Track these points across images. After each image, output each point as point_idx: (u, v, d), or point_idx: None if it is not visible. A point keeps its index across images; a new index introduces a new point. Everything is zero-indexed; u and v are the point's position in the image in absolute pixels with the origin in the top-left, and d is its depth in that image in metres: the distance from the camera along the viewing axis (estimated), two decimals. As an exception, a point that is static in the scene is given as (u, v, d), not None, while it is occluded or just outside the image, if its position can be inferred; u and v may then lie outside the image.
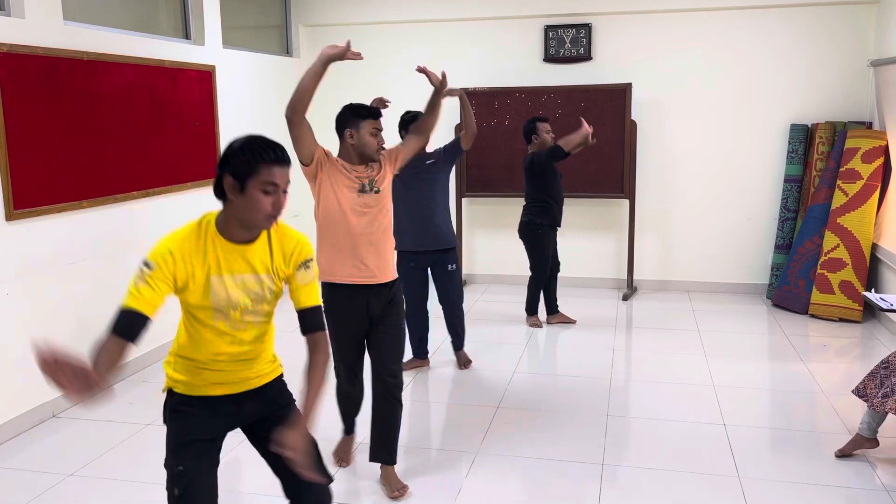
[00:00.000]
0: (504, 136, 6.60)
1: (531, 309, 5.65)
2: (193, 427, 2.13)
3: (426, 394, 4.40)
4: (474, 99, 6.59)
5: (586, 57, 6.52)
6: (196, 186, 5.29)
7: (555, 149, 5.05)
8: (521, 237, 5.49)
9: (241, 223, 2.05)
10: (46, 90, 3.96)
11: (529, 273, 5.57)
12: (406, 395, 4.23)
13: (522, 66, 6.67)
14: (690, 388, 4.38)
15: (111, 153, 4.47)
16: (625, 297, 6.43)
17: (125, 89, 4.57)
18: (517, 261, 6.90)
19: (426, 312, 4.66)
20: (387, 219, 3.15)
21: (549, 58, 6.60)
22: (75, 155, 4.19)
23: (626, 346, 5.20)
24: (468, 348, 4.89)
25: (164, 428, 2.21)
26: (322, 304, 2.22)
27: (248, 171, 1.97)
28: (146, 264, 1.97)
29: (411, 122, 4.23)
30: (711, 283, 6.63)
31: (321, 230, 3.12)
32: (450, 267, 4.57)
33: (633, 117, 6.37)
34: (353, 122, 3.10)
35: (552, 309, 5.71)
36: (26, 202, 3.82)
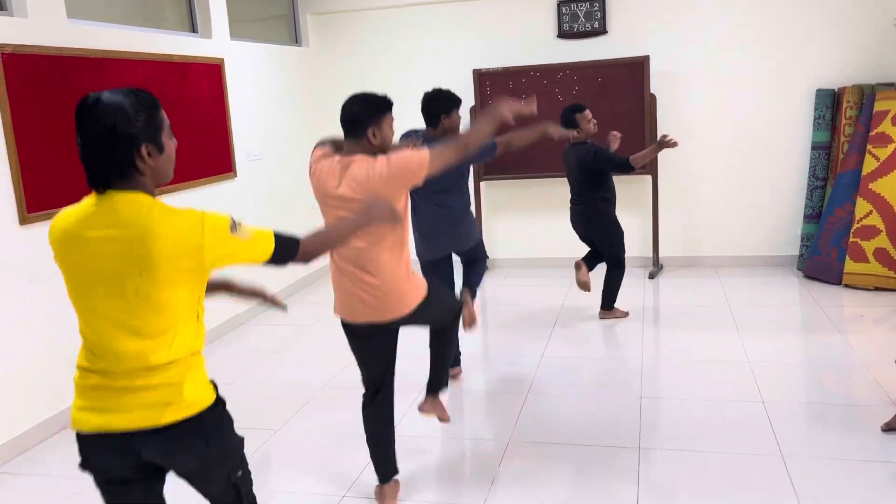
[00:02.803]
0: (521, 118, 6.45)
1: (612, 302, 5.23)
2: None
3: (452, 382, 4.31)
4: (487, 79, 6.47)
5: (601, 31, 6.35)
6: (210, 182, 5.22)
7: (628, 166, 4.75)
8: (589, 230, 5.08)
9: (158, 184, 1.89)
10: (53, 90, 3.90)
11: (608, 268, 5.16)
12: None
13: (536, 44, 6.52)
14: (724, 365, 4.25)
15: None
16: (651, 276, 6.29)
17: (134, 85, 4.48)
18: (538, 244, 6.80)
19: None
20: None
21: (563, 33, 6.44)
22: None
23: (656, 325, 5.07)
24: (494, 333, 4.79)
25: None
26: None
27: (157, 125, 1.85)
28: (233, 219, 1.83)
29: (442, 106, 3.80)
30: (740, 256, 6.47)
31: None
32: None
33: (651, 91, 6.20)
34: (377, 118, 2.66)
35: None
36: (39, 205, 3.76)
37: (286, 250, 1.92)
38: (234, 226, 1.81)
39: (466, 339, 4.87)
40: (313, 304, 5.94)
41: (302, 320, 5.54)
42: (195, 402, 1.83)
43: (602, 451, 3.33)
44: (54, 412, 3.87)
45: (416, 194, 3.79)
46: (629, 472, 3.14)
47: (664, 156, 6.39)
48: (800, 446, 3.25)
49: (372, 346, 2.88)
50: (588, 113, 4.84)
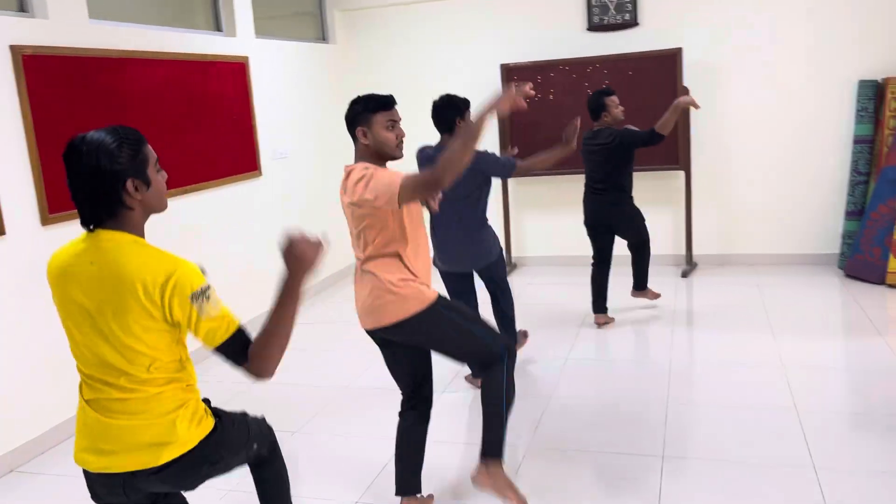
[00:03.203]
0: (550, 112, 6.33)
1: (646, 280, 5.11)
2: None
3: (469, 387, 4.23)
4: (515, 74, 6.35)
5: (632, 23, 6.18)
6: (235, 181, 5.21)
7: (654, 135, 4.55)
8: (613, 217, 4.84)
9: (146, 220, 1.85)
10: (75, 91, 3.91)
11: (637, 249, 4.98)
12: (450, 393, 4.08)
13: (565, 37, 6.38)
14: (757, 369, 4.09)
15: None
16: (684, 274, 6.12)
17: (157, 86, 4.49)
18: (567, 242, 6.66)
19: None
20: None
21: (593, 26, 6.28)
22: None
23: (688, 326, 4.92)
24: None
25: None
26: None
27: (143, 160, 1.79)
28: (207, 289, 1.76)
29: (456, 111, 3.68)
30: (777, 255, 6.25)
31: None
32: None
33: (684, 83, 6.01)
34: (364, 117, 2.60)
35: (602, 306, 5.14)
36: (61, 206, 3.78)
37: (235, 354, 1.79)
38: (200, 294, 1.73)
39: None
40: (341, 301, 5.91)
41: (326, 319, 5.51)
42: (191, 438, 1.83)
43: (624, 460, 3.22)
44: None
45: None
46: (651, 482, 3.02)
47: (698, 150, 6.21)
48: (834, 459, 3.10)
49: (389, 353, 2.81)
50: (616, 98, 4.71)
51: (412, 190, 2.39)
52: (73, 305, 1.78)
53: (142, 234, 1.81)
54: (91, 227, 1.78)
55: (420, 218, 2.72)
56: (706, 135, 6.21)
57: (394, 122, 2.62)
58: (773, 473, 3.02)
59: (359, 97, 2.65)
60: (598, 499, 2.95)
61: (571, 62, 6.24)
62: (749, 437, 3.34)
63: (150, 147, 1.81)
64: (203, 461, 1.87)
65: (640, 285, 5.13)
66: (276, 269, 5.76)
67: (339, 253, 6.54)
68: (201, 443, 1.85)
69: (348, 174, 2.60)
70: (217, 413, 1.97)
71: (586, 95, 6.09)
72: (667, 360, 4.30)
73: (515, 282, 6.26)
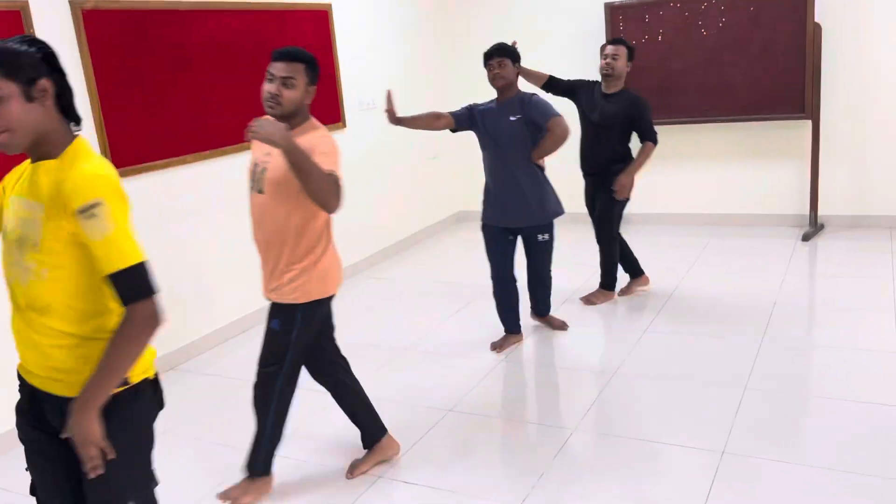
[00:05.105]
0: (659, 54, 5.76)
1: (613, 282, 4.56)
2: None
3: (523, 358, 3.96)
4: (621, 14, 5.80)
5: (756, -50, 5.43)
6: (316, 133, 5.14)
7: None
8: (607, 191, 4.26)
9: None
10: (139, 46, 3.92)
11: (602, 247, 4.45)
12: (503, 364, 3.84)
13: (678, -29, 5.72)
14: (873, 355, 3.52)
15: (213, 108, 4.38)
16: (805, 237, 5.44)
17: (228, 38, 4.44)
18: (680, 197, 6.13)
19: (513, 280, 3.97)
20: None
21: (711, -43, 5.59)
22: (172, 112, 4.13)
23: (795, 298, 4.34)
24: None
25: None
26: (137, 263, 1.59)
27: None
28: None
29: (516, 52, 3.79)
30: (922, 217, 5.42)
31: None
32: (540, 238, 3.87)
33: (816, 19, 5.24)
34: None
35: (638, 271, 4.66)
36: (124, 161, 3.84)
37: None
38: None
39: (557, 306, 4.47)
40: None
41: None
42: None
43: (674, 452, 2.86)
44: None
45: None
46: (702, 481, 2.66)
47: (829, 96, 5.44)
48: (935, 471, 2.59)
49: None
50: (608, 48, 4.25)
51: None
52: None
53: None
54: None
55: None
56: (840, 79, 5.41)
57: (271, 76, 2.47)
58: (862, 487, 2.56)
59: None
60: (630, 495, 2.63)
61: (683, -1, 5.61)
62: (840, 438, 2.86)
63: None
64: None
65: (610, 284, 4.55)
66: (362, 220, 5.75)
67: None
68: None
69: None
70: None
71: (700, 36, 5.50)
72: (758, 339, 3.81)
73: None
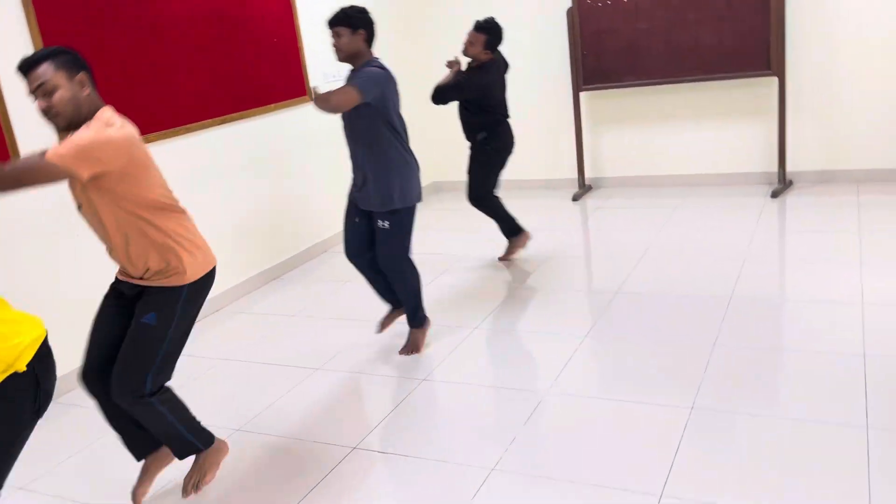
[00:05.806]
0: (623, 15, 5.72)
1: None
2: None
3: (498, 328, 3.98)
4: (584, -24, 5.75)
5: None
6: (283, 107, 5.07)
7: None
8: (494, 158, 4.53)
9: None
10: (95, 19, 3.82)
11: (476, 206, 4.62)
12: (476, 332, 3.85)
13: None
14: (841, 307, 3.57)
15: (180, 82, 4.31)
16: (774, 194, 5.49)
17: (190, 11, 4.35)
18: (649, 160, 6.14)
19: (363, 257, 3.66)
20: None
21: (674, -86, 5.54)
22: (139, 88, 4.07)
23: (762, 254, 4.39)
24: (569, 261, 4.36)
25: None
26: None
27: None
28: None
29: None
30: (889, 170, 5.47)
31: None
32: (380, 224, 3.47)
33: (780, -25, 5.23)
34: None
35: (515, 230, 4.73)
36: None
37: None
38: None
39: (541, 270, 4.48)
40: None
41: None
42: None
43: (647, 410, 2.90)
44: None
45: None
46: (670, 437, 2.70)
47: (794, 54, 5.45)
48: (892, 419, 2.64)
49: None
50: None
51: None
52: None
53: None
54: None
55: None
56: (806, 33, 5.43)
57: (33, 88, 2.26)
58: (815, 431, 2.61)
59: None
60: (605, 452, 2.67)
61: (647, -42, 5.56)
62: (798, 388, 2.91)
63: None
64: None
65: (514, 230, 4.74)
66: (335, 196, 5.67)
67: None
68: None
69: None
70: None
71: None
72: (727, 294, 3.86)
73: (589, 205, 5.86)
